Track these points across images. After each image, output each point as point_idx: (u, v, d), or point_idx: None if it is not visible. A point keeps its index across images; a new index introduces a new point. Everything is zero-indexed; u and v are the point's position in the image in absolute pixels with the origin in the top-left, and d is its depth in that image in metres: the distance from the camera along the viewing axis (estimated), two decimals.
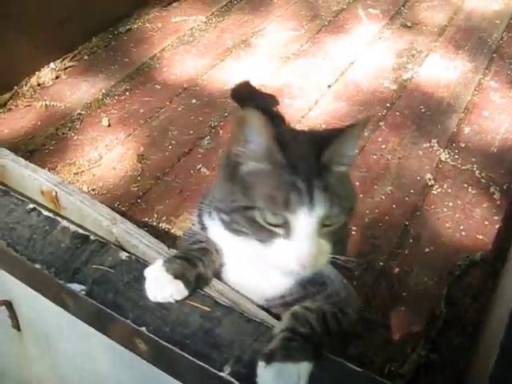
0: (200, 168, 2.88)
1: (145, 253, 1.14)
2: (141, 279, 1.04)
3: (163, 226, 2.62)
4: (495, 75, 3.55)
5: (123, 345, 1.03)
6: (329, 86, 3.40)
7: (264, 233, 1.02)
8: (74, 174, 2.87)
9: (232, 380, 0.88)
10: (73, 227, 1.22)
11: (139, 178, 2.85)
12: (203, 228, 1.21)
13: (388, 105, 3.28)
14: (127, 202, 2.73)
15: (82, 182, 2.82)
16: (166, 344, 0.94)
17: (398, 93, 3.36)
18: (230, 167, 1.08)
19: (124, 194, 2.77)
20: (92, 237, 1.18)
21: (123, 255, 1.11)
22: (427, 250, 2.49)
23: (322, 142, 1.04)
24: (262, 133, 1.01)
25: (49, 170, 2.65)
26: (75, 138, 3.07)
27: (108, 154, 2.98)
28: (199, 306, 0.99)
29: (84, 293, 1.04)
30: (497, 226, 2.59)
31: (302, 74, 3.51)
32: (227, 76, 3.46)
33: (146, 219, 2.65)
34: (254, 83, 3.28)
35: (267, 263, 1.07)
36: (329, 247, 1.04)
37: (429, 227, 2.59)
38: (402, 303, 2.32)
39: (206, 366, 0.90)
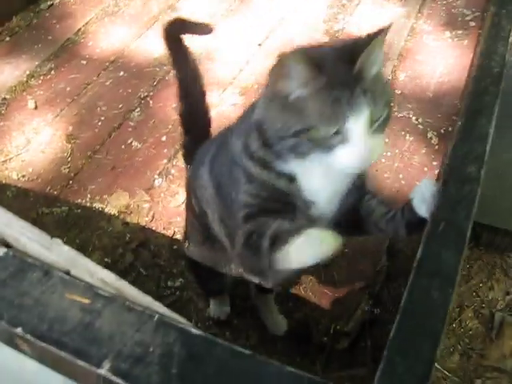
0: (131, 142, 2.80)
1: (26, 246, 1.07)
2: (18, 275, 0.96)
3: (97, 205, 2.55)
4: (428, 18, 3.49)
5: (9, 346, 0.96)
6: (259, 45, 3.31)
7: (325, 146, 1.14)
8: (2, 161, 2.77)
9: (111, 377, 0.82)
10: None
11: (69, 159, 2.76)
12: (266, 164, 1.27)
13: None
14: (59, 184, 2.64)
15: (11, 170, 2.73)
16: (43, 344, 0.87)
17: None
18: (278, 102, 1.18)
19: (55, 177, 2.68)
20: None
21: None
22: None
23: (353, 53, 1.13)
24: (302, 69, 1.10)
25: None
26: (1, 124, 2.96)
27: (36, 138, 2.87)
28: (79, 298, 0.92)
29: None
30: (436, 172, 2.56)
31: (231, 34, 3.41)
32: (154, 45, 3.34)
33: (79, 200, 2.57)
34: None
35: (335, 172, 1.22)
36: (382, 138, 1.18)
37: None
38: (344, 260, 2.29)
39: (84, 364, 0.84)
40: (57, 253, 1.07)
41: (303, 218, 1.31)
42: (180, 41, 1.72)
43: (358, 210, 1.36)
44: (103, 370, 0.83)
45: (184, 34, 1.72)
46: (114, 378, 0.82)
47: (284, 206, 1.28)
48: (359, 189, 1.35)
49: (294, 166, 1.25)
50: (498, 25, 1.52)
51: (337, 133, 1.12)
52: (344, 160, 1.15)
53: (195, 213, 1.67)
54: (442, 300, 0.92)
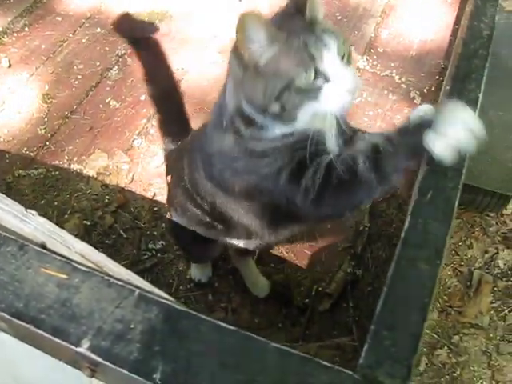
0: (109, 101, 2.74)
1: (0, 217, 1.03)
2: None
3: (75, 167, 2.50)
4: None
5: None
6: (240, 1, 3.21)
7: (311, 93, 1.19)
8: None
9: (91, 355, 0.80)
10: None
11: (46, 120, 2.69)
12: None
13: None
14: (35, 146, 2.58)
15: None
16: (20, 322, 0.84)
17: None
18: (251, 68, 1.22)
19: (31, 138, 2.62)
20: None
21: None
22: None
23: (299, 4, 1.20)
24: (261, 27, 1.16)
25: None
26: None
27: (11, 98, 2.79)
28: (55, 273, 0.89)
29: None
30: None
31: None
32: (132, 0, 3.25)
33: (57, 162, 2.52)
34: (162, 5, 3.14)
35: (329, 117, 1.25)
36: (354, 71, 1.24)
37: None
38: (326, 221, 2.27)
39: (63, 343, 0.81)
40: (32, 225, 1.03)
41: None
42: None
43: None
44: (82, 349, 0.81)
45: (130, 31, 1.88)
46: (94, 357, 0.80)
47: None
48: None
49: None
50: None
51: (317, 76, 1.18)
52: (334, 97, 1.20)
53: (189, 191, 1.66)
54: (429, 272, 0.90)
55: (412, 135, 1.13)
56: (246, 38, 1.18)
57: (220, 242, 1.80)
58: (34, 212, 1.09)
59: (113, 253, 2.23)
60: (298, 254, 2.22)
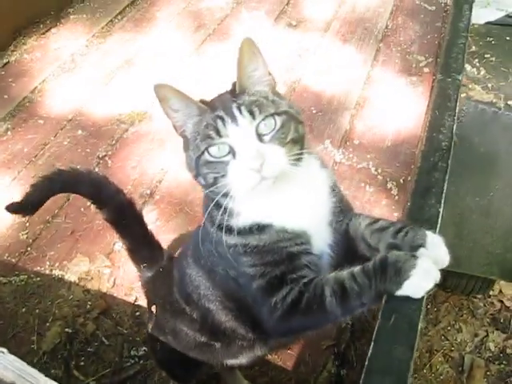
0: (90, 204, 2.74)
1: None
2: None
3: (56, 272, 2.50)
4: (383, 65, 3.53)
5: None
6: None
7: (219, 166, 1.21)
8: None
9: None
10: None
11: (28, 224, 2.71)
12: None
13: None
14: (17, 251, 2.59)
15: None
16: None
17: (288, 96, 3.29)
18: (184, 144, 1.32)
19: (13, 243, 2.63)
20: None
21: None
22: None
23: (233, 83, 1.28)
24: (180, 97, 1.24)
25: None
26: None
27: None
28: None
29: None
30: None
31: (188, 88, 3.37)
32: (112, 101, 3.34)
33: (38, 268, 2.52)
34: (141, 106, 3.22)
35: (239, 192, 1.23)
36: (282, 150, 1.21)
37: None
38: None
39: None
40: (2, 363, 1.03)
41: (314, 259, 1.33)
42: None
43: (348, 232, 1.36)
44: None
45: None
46: None
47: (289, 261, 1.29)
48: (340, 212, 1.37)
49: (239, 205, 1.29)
50: (444, 94, 1.53)
51: (227, 151, 1.21)
52: (238, 175, 1.21)
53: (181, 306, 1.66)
54: None
55: (376, 280, 1.13)
56: (170, 108, 1.27)
57: (216, 363, 1.79)
58: (4, 350, 1.08)
59: (95, 360, 2.22)
60: (282, 354, 2.20)
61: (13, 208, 1.67)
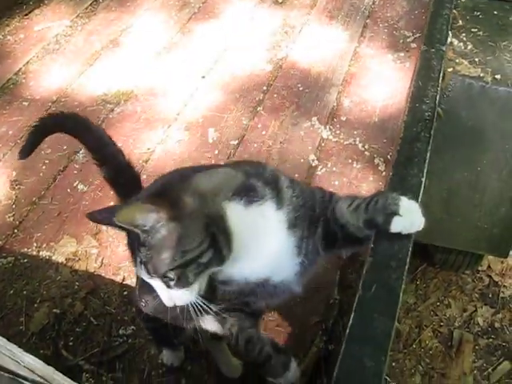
0: (77, 185, 2.75)
1: None
2: None
3: (44, 253, 2.49)
4: (370, 41, 3.51)
5: None
6: (203, 77, 3.29)
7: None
8: None
9: None
10: None
11: (14, 206, 2.69)
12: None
13: (265, 88, 3.20)
14: (3, 234, 2.57)
15: None
16: None
17: (274, 74, 3.28)
18: None
19: (0, 225, 2.61)
20: None
21: None
22: None
23: None
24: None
25: None
26: None
27: None
28: None
29: None
30: None
31: (174, 67, 3.38)
32: (98, 81, 3.31)
33: (25, 249, 2.51)
34: (126, 85, 3.19)
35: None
36: (185, 291, 1.25)
37: None
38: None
39: None
40: None
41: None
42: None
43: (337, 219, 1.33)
44: None
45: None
46: None
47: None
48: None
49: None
50: (428, 65, 1.52)
51: None
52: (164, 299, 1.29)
53: None
54: (374, 369, 0.90)
55: None
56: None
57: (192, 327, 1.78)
58: None
59: (84, 340, 2.21)
60: (271, 330, 2.19)
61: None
